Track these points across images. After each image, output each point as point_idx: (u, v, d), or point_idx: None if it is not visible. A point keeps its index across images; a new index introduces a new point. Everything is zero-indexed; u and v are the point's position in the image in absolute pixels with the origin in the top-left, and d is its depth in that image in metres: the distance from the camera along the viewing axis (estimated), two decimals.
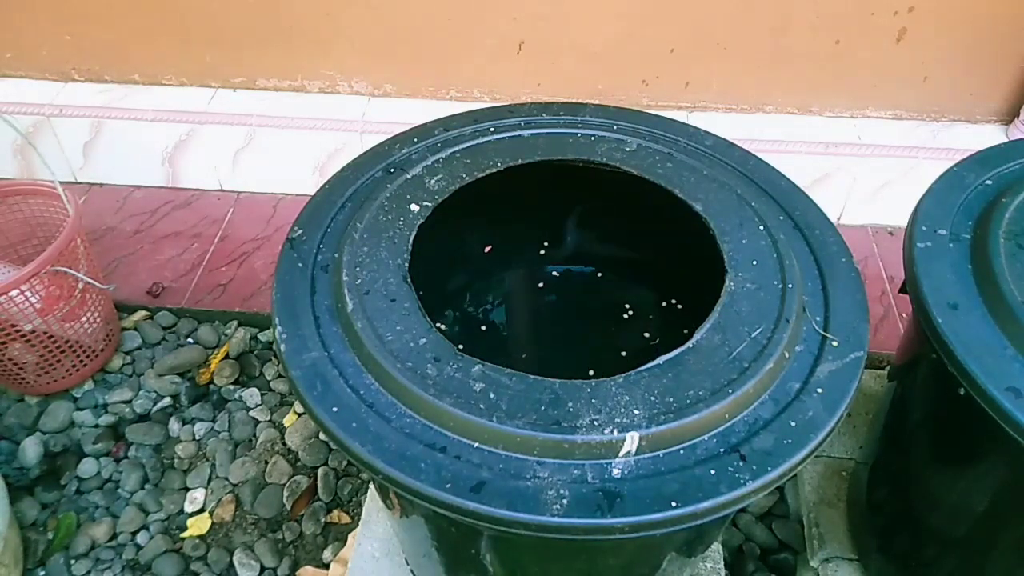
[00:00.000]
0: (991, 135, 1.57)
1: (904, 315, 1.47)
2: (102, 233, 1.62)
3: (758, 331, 0.65)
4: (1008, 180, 0.88)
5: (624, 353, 0.90)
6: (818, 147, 1.54)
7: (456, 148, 0.85)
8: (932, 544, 0.93)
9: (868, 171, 1.56)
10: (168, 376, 1.38)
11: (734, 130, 1.53)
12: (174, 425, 1.31)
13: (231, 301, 1.49)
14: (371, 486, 1.15)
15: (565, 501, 0.55)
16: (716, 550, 1.03)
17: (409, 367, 0.62)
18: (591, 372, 0.81)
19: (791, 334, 0.66)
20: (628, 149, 0.85)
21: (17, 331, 1.21)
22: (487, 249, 0.98)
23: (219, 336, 1.45)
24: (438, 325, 0.66)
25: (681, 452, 0.59)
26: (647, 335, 0.93)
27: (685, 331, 0.66)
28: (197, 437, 1.30)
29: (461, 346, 0.64)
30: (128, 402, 1.34)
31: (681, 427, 0.59)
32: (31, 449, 1.26)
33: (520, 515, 0.55)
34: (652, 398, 0.60)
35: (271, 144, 1.63)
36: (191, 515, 1.21)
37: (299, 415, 1.33)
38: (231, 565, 1.15)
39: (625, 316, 0.96)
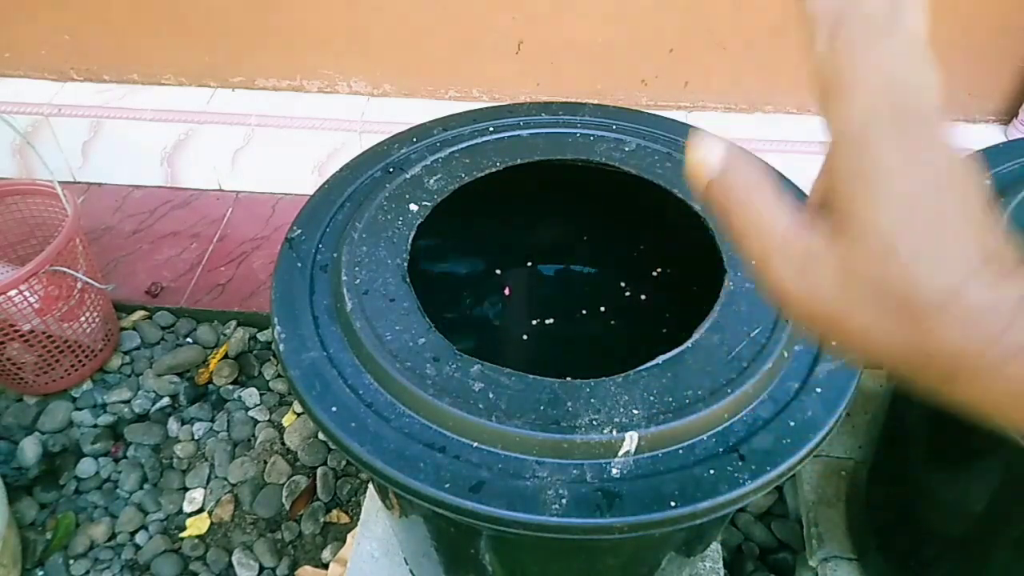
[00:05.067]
0: (990, 135, 1.57)
1: None
2: (101, 233, 1.62)
3: (757, 331, 0.65)
4: (1007, 180, 0.88)
5: (623, 353, 0.90)
6: (817, 147, 1.54)
7: (455, 148, 0.85)
8: (931, 544, 0.93)
9: None
10: (167, 376, 1.38)
11: (734, 130, 1.53)
12: (173, 425, 1.31)
13: (230, 301, 1.49)
14: (370, 486, 1.15)
15: (564, 501, 0.55)
16: (715, 549, 1.03)
17: (408, 367, 0.62)
18: (590, 371, 0.81)
19: (790, 333, 0.66)
20: (627, 149, 0.85)
21: (15, 331, 1.21)
22: (506, 291, 0.98)
23: (218, 336, 1.45)
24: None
25: (680, 452, 0.59)
26: (645, 334, 0.93)
27: (684, 332, 0.66)
28: (196, 437, 1.30)
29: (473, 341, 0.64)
30: (127, 402, 1.34)
31: (680, 427, 0.59)
32: (30, 449, 1.26)
33: (519, 515, 0.55)
34: (651, 398, 0.60)
35: (270, 144, 1.63)
36: (190, 515, 1.21)
37: (298, 415, 1.33)
38: (230, 565, 1.15)
39: (623, 315, 0.96)
